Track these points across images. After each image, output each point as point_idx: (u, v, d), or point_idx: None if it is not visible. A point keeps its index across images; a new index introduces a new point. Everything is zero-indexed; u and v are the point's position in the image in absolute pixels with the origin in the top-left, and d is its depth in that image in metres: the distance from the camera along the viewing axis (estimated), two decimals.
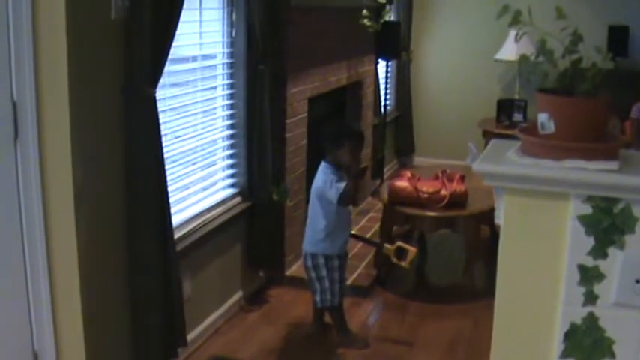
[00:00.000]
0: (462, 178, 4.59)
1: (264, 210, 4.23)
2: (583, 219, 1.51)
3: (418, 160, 7.76)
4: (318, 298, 3.82)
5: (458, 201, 4.46)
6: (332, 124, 4.03)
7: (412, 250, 3.90)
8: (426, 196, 4.45)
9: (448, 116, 7.57)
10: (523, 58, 1.69)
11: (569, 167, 1.50)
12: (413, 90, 7.51)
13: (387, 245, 4.01)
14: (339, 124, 4.20)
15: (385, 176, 6.75)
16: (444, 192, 4.46)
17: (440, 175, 4.59)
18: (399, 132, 7.49)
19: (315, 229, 3.75)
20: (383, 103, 6.52)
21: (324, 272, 3.77)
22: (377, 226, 5.44)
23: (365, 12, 5.42)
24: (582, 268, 1.54)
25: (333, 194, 3.66)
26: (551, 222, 1.52)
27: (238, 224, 4.16)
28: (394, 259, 3.94)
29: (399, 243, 3.96)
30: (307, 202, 4.79)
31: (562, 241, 1.53)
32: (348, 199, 3.71)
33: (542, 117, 1.54)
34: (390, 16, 6.00)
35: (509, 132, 6.53)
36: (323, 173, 3.72)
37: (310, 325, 4.03)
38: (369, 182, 4.71)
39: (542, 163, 1.50)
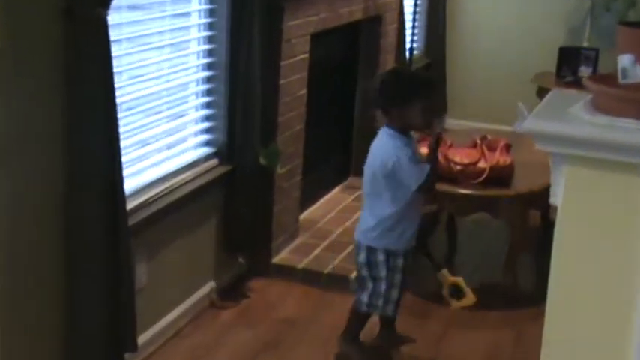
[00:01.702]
0: (508, 148, 4.54)
1: (247, 177, 4.21)
2: None
3: (451, 122, 7.66)
4: (365, 298, 3.72)
5: (500, 177, 4.42)
6: (389, 72, 3.84)
7: (470, 297, 3.82)
8: (459, 168, 4.40)
9: (492, 67, 7.47)
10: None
11: None
12: (448, 31, 7.41)
13: (444, 272, 3.92)
14: (398, 72, 3.95)
15: None
16: (482, 164, 4.41)
17: (479, 142, 4.54)
18: None
19: (377, 217, 3.61)
20: (408, 46, 6.44)
21: (382, 272, 3.67)
22: None
23: None
24: None
25: (411, 177, 3.51)
26: (628, 204, 1.44)
27: (213, 194, 4.14)
28: (444, 292, 3.88)
29: (459, 280, 3.88)
30: (305, 168, 4.79)
31: None
32: (432, 185, 3.63)
33: (625, 60, 1.45)
34: None
35: (573, 91, 6.45)
36: (391, 144, 3.55)
37: (377, 339, 3.96)
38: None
39: (622, 124, 1.42)
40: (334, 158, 5.75)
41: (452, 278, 3.88)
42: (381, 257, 3.64)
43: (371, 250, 3.66)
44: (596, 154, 1.48)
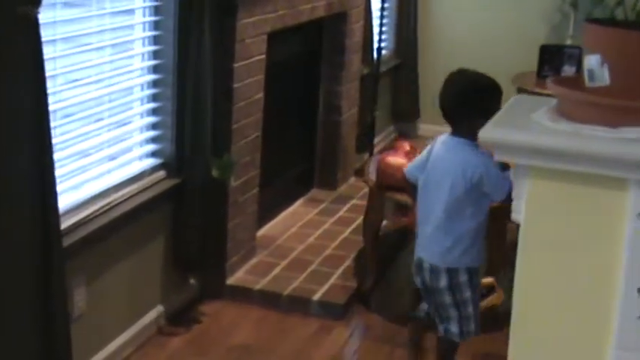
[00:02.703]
0: None
1: (198, 191, 4.19)
2: None
3: (424, 127, 7.70)
4: (455, 329, 3.65)
5: None
6: (457, 78, 3.81)
7: (498, 294, 3.89)
8: None
9: (469, 67, 7.45)
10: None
11: (630, 138, 1.41)
12: (420, 29, 7.42)
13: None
14: (467, 76, 3.90)
15: (376, 149, 6.69)
16: None
17: None
18: (399, 87, 7.45)
19: (456, 235, 3.54)
20: (376, 45, 6.44)
21: (467, 293, 3.60)
22: (360, 219, 5.40)
23: None
24: None
25: (500, 188, 3.44)
26: (598, 221, 1.43)
27: (160, 209, 4.12)
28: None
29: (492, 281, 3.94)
30: (263, 180, 4.77)
31: (615, 252, 1.44)
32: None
33: (592, 61, 1.44)
34: None
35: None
36: (473, 154, 3.49)
37: None
38: None
39: (588, 131, 1.41)
40: (295, 168, 5.73)
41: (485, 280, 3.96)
42: (463, 278, 3.58)
43: (452, 272, 3.58)
44: (560, 165, 1.46)
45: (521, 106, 1.56)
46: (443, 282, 3.58)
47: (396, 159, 4.47)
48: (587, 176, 1.47)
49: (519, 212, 1.49)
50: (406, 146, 4.56)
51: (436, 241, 3.59)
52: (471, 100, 3.57)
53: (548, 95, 5.62)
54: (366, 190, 5.90)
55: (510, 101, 1.62)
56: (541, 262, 1.51)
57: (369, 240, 4.63)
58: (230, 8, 4.25)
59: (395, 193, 4.42)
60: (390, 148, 4.75)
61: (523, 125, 1.49)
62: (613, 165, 1.46)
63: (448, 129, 7.17)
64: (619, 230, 1.48)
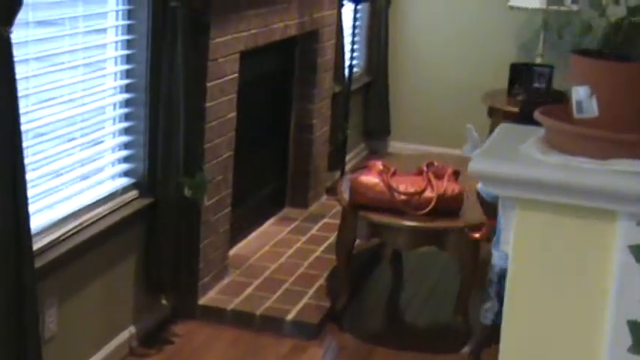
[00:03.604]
0: (456, 175, 4.54)
1: (170, 210, 4.17)
2: (638, 251, 1.41)
3: (395, 145, 7.73)
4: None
5: (449, 207, 4.41)
6: (530, 95, 3.97)
7: None
8: (403, 197, 4.39)
9: (439, 86, 7.52)
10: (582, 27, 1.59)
11: (619, 170, 1.41)
12: (391, 47, 7.44)
13: None
14: (534, 92, 3.97)
15: (348, 166, 6.69)
16: (429, 193, 4.40)
17: (424, 169, 4.54)
18: (370, 105, 7.46)
19: None
20: (348, 63, 6.44)
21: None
22: (333, 238, 5.39)
23: None
24: (636, 327, 1.45)
25: None
26: (587, 253, 1.42)
27: (132, 229, 4.10)
28: None
29: None
30: (235, 199, 4.75)
31: (604, 284, 1.44)
32: None
33: (581, 93, 1.44)
34: None
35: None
36: None
37: None
38: None
39: (577, 163, 1.40)
40: (267, 187, 5.71)
41: None
42: None
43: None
44: (549, 197, 1.46)
45: (509, 137, 1.56)
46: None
47: (368, 178, 4.46)
48: (576, 208, 1.47)
49: (508, 243, 1.48)
50: (379, 165, 4.55)
51: None
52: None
53: (515, 113, 5.62)
54: (338, 208, 5.89)
55: (497, 130, 1.61)
56: (530, 294, 1.50)
57: (342, 259, 4.62)
58: (203, 27, 4.24)
59: (368, 212, 4.42)
60: (363, 167, 4.73)
61: (512, 157, 1.49)
62: (603, 197, 1.46)
63: (419, 146, 7.27)
64: (608, 262, 1.48)
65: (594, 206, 1.47)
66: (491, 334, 3.85)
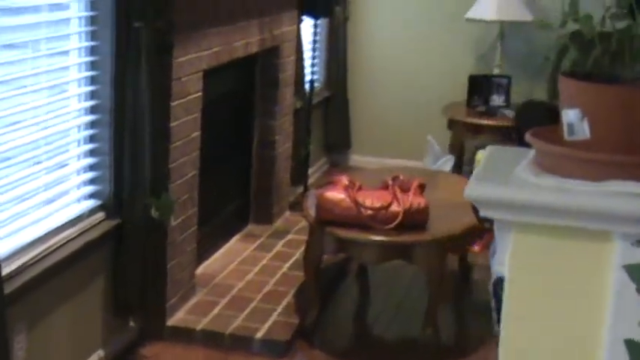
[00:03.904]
0: (422, 188, 4.55)
1: (137, 231, 4.14)
2: (633, 270, 1.42)
3: (355, 159, 7.73)
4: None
5: (415, 220, 4.42)
6: (527, 106, 4.27)
7: None
8: (369, 212, 4.40)
9: (399, 99, 7.54)
10: (541, 24, 1.59)
11: (613, 192, 1.42)
12: (350, 61, 7.46)
13: None
14: (527, 104, 4.39)
15: (310, 181, 6.67)
16: (395, 207, 4.41)
17: (390, 182, 4.54)
18: (330, 119, 7.46)
19: None
20: (308, 78, 6.45)
21: None
22: (298, 254, 5.39)
23: None
24: (633, 346, 1.45)
25: None
26: (583, 274, 1.43)
27: (100, 252, 4.07)
28: None
29: None
30: (200, 218, 4.72)
31: (601, 303, 1.45)
32: None
33: (572, 115, 1.45)
34: None
35: (486, 122, 6.57)
36: None
37: None
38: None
39: (570, 185, 1.41)
40: (231, 204, 5.69)
41: None
42: None
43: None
44: (544, 220, 1.46)
45: (500, 160, 1.56)
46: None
47: (334, 194, 4.45)
48: (571, 230, 1.48)
49: (504, 265, 1.48)
50: (344, 180, 4.55)
51: None
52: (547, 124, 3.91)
53: (479, 127, 5.67)
54: (303, 224, 5.90)
55: (487, 155, 1.62)
56: (526, 315, 1.51)
57: (310, 275, 4.61)
58: (166, 47, 4.21)
59: (335, 228, 4.41)
60: (328, 182, 4.72)
61: (507, 181, 1.50)
62: (598, 218, 1.47)
63: (380, 159, 7.27)
64: (604, 282, 1.49)
65: (589, 227, 1.48)
66: None
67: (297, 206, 6.28)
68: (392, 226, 4.36)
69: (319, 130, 7.24)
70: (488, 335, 4.64)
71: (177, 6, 4.24)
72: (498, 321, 4.05)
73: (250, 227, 5.87)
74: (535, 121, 3.91)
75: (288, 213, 6.16)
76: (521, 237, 1.48)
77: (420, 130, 7.18)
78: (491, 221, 3.78)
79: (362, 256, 4.69)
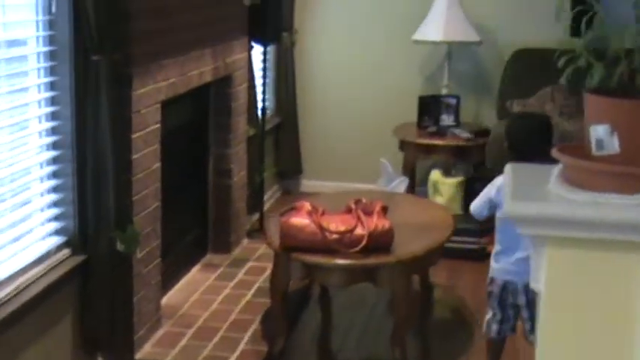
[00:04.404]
0: (384, 210, 4.54)
1: (103, 266, 4.11)
2: None
3: (307, 184, 7.72)
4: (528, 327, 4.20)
5: (380, 243, 4.41)
6: (514, 120, 4.49)
7: None
8: (335, 236, 4.37)
9: (349, 122, 7.55)
10: (564, 52, 1.61)
11: None
12: (299, 86, 7.48)
13: None
14: (518, 117, 4.67)
15: (265, 207, 6.65)
16: (360, 230, 4.39)
17: (353, 206, 4.53)
18: (280, 145, 7.44)
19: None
20: (261, 105, 6.44)
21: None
22: (260, 281, 5.38)
23: None
24: None
25: None
26: (620, 286, 1.44)
27: (67, 289, 4.02)
28: None
29: None
30: (163, 251, 4.69)
31: (637, 315, 1.45)
32: None
33: (600, 131, 1.47)
34: None
35: (438, 142, 6.60)
36: None
37: None
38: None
39: (604, 199, 1.43)
40: (190, 234, 5.66)
41: None
42: None
43: (529, 288, 3.95)
44: (581, 234, 1.48)
45: (526, 177, 1.57)
46: (521, 299, 4.12)
47: (299, 220, 4.43)
48: (608, 242, 1.50)
49: (538, 281, 1.49)
50: (307, 206, 4.53)
51: (516, 262, 4.08)
52: (516, 141, 4.20)
53: (431, 147, 5.69)
54: (262, 251, 5.91)
55: (512, 173, 1.63)
56: (562, 330, 1.51)
57: (277, 302, 4.58)
58: (125, 79, 4.20)
59: (300, 254, 4.39)
60: (291, 209, 4.70)
61: (545, 198, 1.51)
62: (632, 230, 1.48)
63: (332, 183, 7.28)
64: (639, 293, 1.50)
65: (626, 240, 1.50)
66: (501, 347, 4.26)
67: (254, 234, 6.27)
68: (357, 249, 4.35)
69: (270, 156, 7.23)
70: (453, 354, 4.74)
71: (134, 38, 4.24)
72: (532, 330, 4.20)
73: (209, 256, 5.85)
74: (528, 135, 4.09)
75: (245, 241, 6.15)
76: (557, 251, 1.50)
77: (372, 153, 7.20)
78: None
79: (328, 281, 4.68)
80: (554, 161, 4.12)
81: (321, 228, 4.39)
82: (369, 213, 4.50)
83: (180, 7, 4.84)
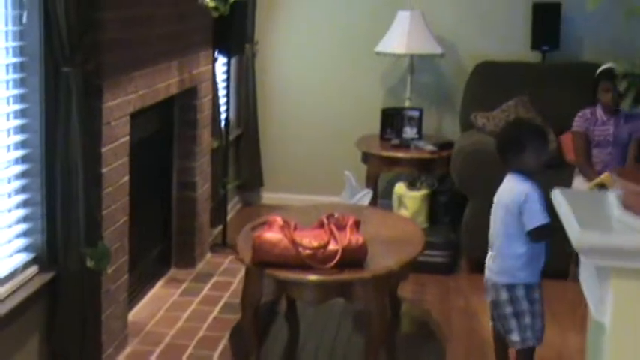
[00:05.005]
0: (357, 225, 4.47)
1: (73, 283, 4.00)
2: None
3: (267, 196, 7.63)
4: (517, 337, 4.19)
5: (354, 258, 4.34)
6: (506, 124, 4.62)
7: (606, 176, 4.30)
8: (308, 252, 4.29)
9: (311, 134, 7.48)
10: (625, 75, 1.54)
11: None
12: (260, 98, 7.40)
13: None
14: (512, 124, 4.81)
15: (228, 218, 6.55)
16: (333, 245, 4.32)
17: (326, 221, 4.45)
18: (241, 157, 7.36)
19: (509, 255, 4.15)
20: (224, 116, 6.35)
21: (524, 306, 4.16)
22: (226, 296, 5.29)
23: None
24: None
25: (529, 218, 4.05)
26: None
27: (35, 307, 3.91)
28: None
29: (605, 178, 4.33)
30: (131, 266, 4.57)
31: None
32: (549, 234, 4.06)
33: None
34: None
35: (401, 154, 6.55)
36: (521, 185, 4.11)
37: None
38: None
39: None
40: (155, 249, 5.55)
41: (597, 181, 4.40)
42: (520, 292, 4.15)
43: (511, 288, 4.16)
44: None
45: (584, 203, 1.49)
46: (503, 296, 4.17)
47: (272, 235, 4.34)
48: None
49: (604, 314, 1.41)
50: (279, 221, 4.44)
51: (497, 262, 4.20)
52: (507, 148, 4.21)
53: (394, 160, 5.63)
54: (226, 265, 5.84)
55: (565, 200, 1.55)
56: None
57: (248, 318, 4.47)
58: (96, 90, 4.11)
59: (273, 269, 4.30)
60: (262, 223, 4.62)
61: (613, 228, 1.43)
62: None
63: (294, 196, 7.21)
64: None
65: None
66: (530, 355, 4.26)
67: (217, 247, 6.17)
68: (331, 264, 4.28)
69: (231, 168, 7.13)
70: None
71: (104, 49, 4.16)
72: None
73: (173, 271, 5.74)
74: (521, 143, 4.11)
75: (209, 255, 6.04)
76: (624, 283, 1.42)
77: (334, 165, 7.15)
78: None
79: (302, 297, 4.57)
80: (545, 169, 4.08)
81: (294, 243, 4.30)
82: (341, 228, 4.43)
83: (149, 18, 4.77)
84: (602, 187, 4.26)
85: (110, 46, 4.22)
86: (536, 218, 4.02)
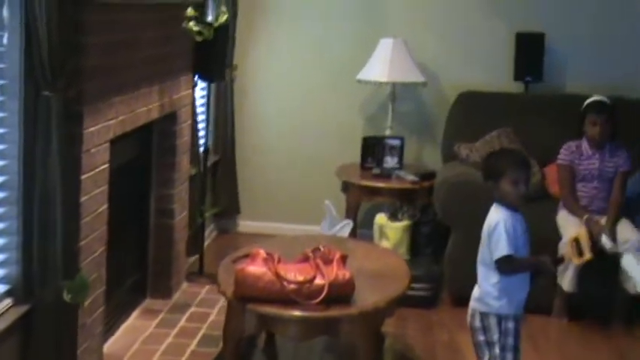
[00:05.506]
0: (344, 259, 4.34)
1: (49, 317, 3.85)
2: None
3: (244, 224, 7.48)
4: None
5: (341, 293, 4.21)
6: (488, 156, 4.49)
7: (587, 255, 4.19)
8: (293, 286, 4.16)
9: (290, 161, 7.35)
10: None
11: None
12: (238, 124, 7.26)
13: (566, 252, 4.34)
14: (494, 152, 4.67)
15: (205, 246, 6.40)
16: (319, 280, 4.19)
17: (311, 254, 4.32)
18: (218, 184, 7.23)
19: (488, 284, 4.12)
20: (203, 141, 6.23)
21: (494, 337, 4.12)
22: (204, 328, 5.13)
23: (190, 11, 5.13)
24: None
25: (495, 247, 4.04)
26: None
27: (8, 343, 3.75)
28: (576, 260, 4.29)
29: (581, 234, 4.28)
30: (107, 296, 4.41)
31: None
32: (515, 267, 4.06)
33: None
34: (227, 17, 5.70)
35: (382, 184, 6.43)
36: (495, 214, 4.10)
37: None
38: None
39: None
40: (130, 278, 5.37)
41: (573, 235, 4.29)
42: (493, 321, 4.11)
43: (484, 316, 4.13)
44: None
45: None
46: (476, 322, 4.16)
47: (256, 268, 4.20)
48: None
49: None
50: (262, 253, 4.30)
51: (477, 288, 4.19)
52: (487, 175, 4.18)
53: (375, 189, 5.53)
54: (203, 296, 5.69)
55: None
56: None
57: (231, 353, 4.32)
58: (76, 117, 3.98)
59: (257, 304, 4.15)
60: (244, 255, 4.47)
61: None
62: None
63: (272, 224, 7.09)
64: None
65: None
66: None
67: (193, 277, 6.00)
68: (318, 300, 4.14)
69: (208, 195, 6.98)
70: None
71: (86, 73, 4.05)
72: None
73: (148, 302, 5.56)
74: (498, 170, 4.06)
75: (185, 284, 5.88)
76: None
77: (313, 193, 7.02)
78: None
79: (286, 333, 4.42)
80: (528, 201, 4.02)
81: (279, 277, 4.17)
82: (328, 262, 4.30)
83: (133, 42, 4.67)
84: (577, 242, 4.23)
85: (93, 72, 4.11)
86: (499, 249, 4.01)
